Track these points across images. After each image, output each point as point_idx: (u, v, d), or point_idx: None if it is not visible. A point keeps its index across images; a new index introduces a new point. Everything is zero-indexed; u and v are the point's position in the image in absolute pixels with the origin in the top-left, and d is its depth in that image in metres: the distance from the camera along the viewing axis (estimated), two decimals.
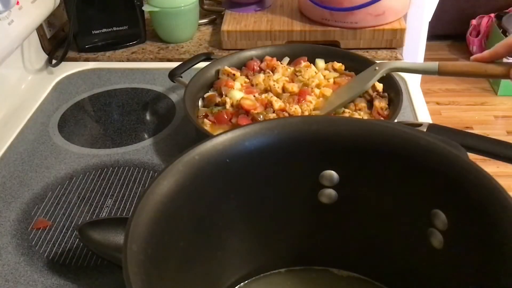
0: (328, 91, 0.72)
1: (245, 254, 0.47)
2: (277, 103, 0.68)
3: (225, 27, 0.95)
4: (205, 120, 0.69)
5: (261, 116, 0.66)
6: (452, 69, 0.63)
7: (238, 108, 0.69)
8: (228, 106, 0.69)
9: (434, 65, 0.64)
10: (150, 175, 0.68)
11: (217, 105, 0.71)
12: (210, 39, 1.01)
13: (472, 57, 0.62)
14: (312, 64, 0.77)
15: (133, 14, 0.97)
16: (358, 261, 0.49)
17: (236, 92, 0.71)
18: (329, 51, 0.80)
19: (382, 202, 0.44)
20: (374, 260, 0.48)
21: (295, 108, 0.68)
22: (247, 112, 0.68)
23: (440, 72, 0.64)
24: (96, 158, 0.72)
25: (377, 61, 0.73)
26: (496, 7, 2.42)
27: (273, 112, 0.68)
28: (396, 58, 0.93)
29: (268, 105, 0.69)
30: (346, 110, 0.69)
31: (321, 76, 0.74)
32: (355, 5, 0.89)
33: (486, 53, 0.60)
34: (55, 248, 0.58)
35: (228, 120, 0.68)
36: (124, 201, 0.64)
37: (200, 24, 1.05)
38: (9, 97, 0.84)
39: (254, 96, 0.71)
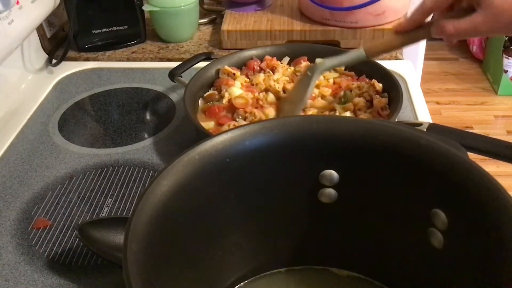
0: (327, 91, 0.72)
1: (245, 254, 0.47)
2: (267, 109, 0.68)
3: (225, 26, 0.95)
4: (203, 115, 0.70)
5: (247, 117, 0.67)
6: (379, 49, 0.63)
7: (231, 105, 0.69)
8: (225, 101, 0.70)
9: (360, 51, 0.64)
10: (150, 174, 0.68)
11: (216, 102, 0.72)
12: (210, 38, 1.01)
13: (393, 29, 0.62)
14: (312, 64, 0.77)
15: (133, 14, 0.97)
16: (358, 260, 0.49)
17: (236, 90, 0.71)
18: (329, 50, 0.80)
19: (382, 201, 0.44)
20: (374, 260, 0.48)
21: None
22: (234, 111, 0.69)
23: (369, 55, 0.64)
24: (96, 157, 0.72)
25: (378, 61, 0.73)
26: None
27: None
28: (396, 58, 0.93)
29: (258, 106, 0.69)
30: (346, 108, 0.69)
31: (321, 76, 0.74)
32: (355, 4, 0.89)
33: (405, 22, 0.60)
34: (55, 248, 0.58)
35: (218, 114, 0.69)
36: (124, 200, 0.64)
37: (200, 24, 1.05)
38: (9, 97, 0.84)
39: (254, 95, 0.71)
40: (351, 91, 0.71)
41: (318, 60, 0.67)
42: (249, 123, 0.44)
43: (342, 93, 0.71)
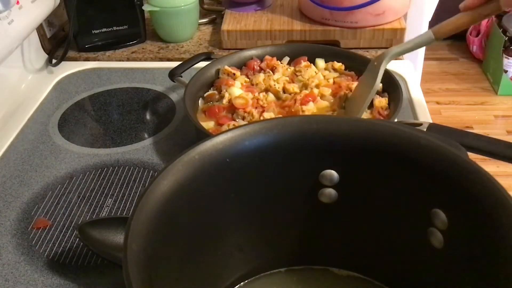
0: (327, 91, 0.71)
1: (245, 254, 0.47)
2: (268, 113, 0.68)
3: (225, 26, 0.95)
4: (202, 114, 0.70)
5: (245, 117, 0.68)
6: (448, 29, 0.62)
7: (231, 105, 0.69)
8: (225, 101, 0.70)
9: (428, 34, 0.63)
10: (150, 174, 0.68)
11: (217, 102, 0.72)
12: (210, 38, 1.01)
13: (461, 7, 0.60)
14: (312, 64, 0.77)
15: (133, 14, 0.97)
16: (358, 260, 0.49)
17: (236, 90, 0.71)
18: (329, 50, 0.80)
19: (382, 201, 0.44)
20: (374, 260, 0.48)
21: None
22: (234, 111, 0.69)
23: (437, 37, 0.62)
24: (96, 157, 0.72)
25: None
26: None
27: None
28: (396, 58, 0.92)
29: (257, 107, 0.69)
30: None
31: (321, 76, 0.74)
32: (355, 4, 0.89)
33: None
34: (55, 248, 0.58)
35: (218, 114, 0.69)
36: (124, 200, 0.64)
37: (200, 24, 1.05)
38: (9, 97, 0.84)
39: (254, 95, 0.71)
40: (351, 91, 0.71)
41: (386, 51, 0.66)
42: (249, 123, 0.44)
43: (342, 92, 0.71)
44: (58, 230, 0.60)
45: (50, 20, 0.99)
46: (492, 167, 1.58)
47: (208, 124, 0.68)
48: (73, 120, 0.81)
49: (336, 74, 0.76)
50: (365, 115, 0.68)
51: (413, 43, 0.65)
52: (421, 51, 1.44)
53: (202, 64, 0.78)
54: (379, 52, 0.93)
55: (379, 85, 0.66)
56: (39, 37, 0.94)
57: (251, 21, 0.96)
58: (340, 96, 0.70)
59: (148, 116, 0.82)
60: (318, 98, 0.71)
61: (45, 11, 0.87)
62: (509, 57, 2.16)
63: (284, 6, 1.02)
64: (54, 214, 0.62)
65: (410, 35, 1.00)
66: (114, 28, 0.98)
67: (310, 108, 0.68)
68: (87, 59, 0.98)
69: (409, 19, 1.18)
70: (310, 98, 0.69)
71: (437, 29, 0.62)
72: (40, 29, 0.94)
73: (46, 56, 0.96)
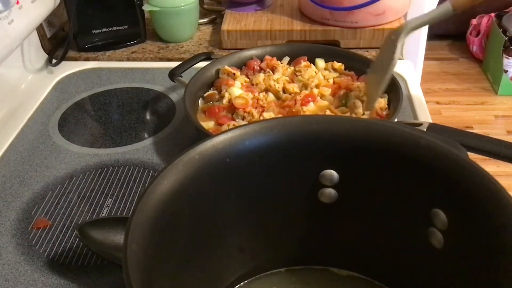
0: (327, 91, 0.71)
1: (245, 254, 0.47)
2: (268, 113, 0.68)
3: (225, 26, 0.95)
4: (202, 114, 0.70)
5: (245, 117, 0.68)
6: (467, 1, 0.59)
7: (231, 105, 0.69)
8: (225, 101, 0.70)
9: (447, 6, 0.60)
10: (150, 174, 0.68)
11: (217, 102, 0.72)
12: (210, 38, 1.01)
13: None
14: (312, 64, 0.77)
15: (133, 14, 0.97)
16: (358, 260, 0.49)
17: (236, 90, 0.71)
18: (329, 50, 0.80)
19: (382, 201, 0.44)
20: (374, 260, 0.48)
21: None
22: (234, 111, 0.69)
23: (456, 8, 0.60)
24: (96, 157, 0.72)
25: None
26: (496, 7, 2.42)
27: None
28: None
29: (257, 107, 0.69)
30: (345, 110, 0.69)
31: (320, 76, 0.74)
32: (355, 4, 0.89)
33: None
34: (55, 248, 0.58)
35: (218, 114, 0.69)
36: (124, 200, 0.64)
37: (200, 24, 1.05)
38: (9, 97, 0.84)
39: (254, 95, 0.71)
40: (351, 91, 0.71)
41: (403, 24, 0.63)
42: (249, 123, 0.44)
43: (342, 92, 0.71)
44: (58, 230, 0.60)
45: (50, 20, 0.99)
46: (492, 167, 1.58)
47: (208, 124, 0.68)
48: (73, 120, 0.81)
49: (336, 74, 0.76)
50: (365, 115, 0.68)
51: (431, 15, 0.62)
52: (421, 51, 1.43)
53: (202, 64, 0.78)
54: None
55: (397, 60, 0.63)
56: (39, 37, 0.94)
57: (251, 21, 0.96)
58: (339, 96, 0.70)
59: (148, 116, 0.82)
60: (318, 98, 0.71)
61: (45, 11, 0.87)
62: (509, 57, 2.16)
63: (284, 6, 1.02)
64: (54, 214, 0.62)
65: (410, 35, 1.00)
66: (114, 28, 0.98)
67: (310, 109, 0.68)
68: (87, 59, 0.97)
69: (409, 19, 1.18)
70: (310, 99, 0.69)
71: (456, 1, 0.60)
72: (40, 29, 0.94)
73: (46, 56, 0.96)
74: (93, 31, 0.97)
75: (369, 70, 0.68)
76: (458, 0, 0.60)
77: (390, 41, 0.64)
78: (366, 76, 0.68)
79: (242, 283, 0.49)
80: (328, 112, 0.69)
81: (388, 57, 0.63)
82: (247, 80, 0.75)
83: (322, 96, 0.71)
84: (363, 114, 0.67)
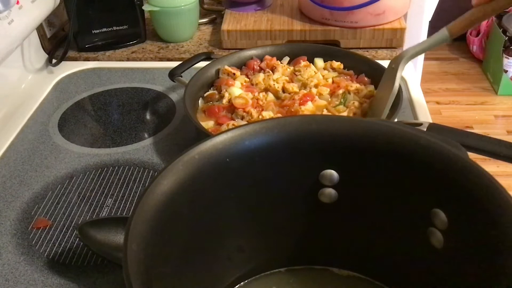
0: (325, 90, 0.71)
1: (245, 253, 0.47)
2: (267, 112, 0.68)
3: (225, 26, 0.95)
4: (202, 114, 0.70)
5: (244, 117, 0.68)
6: (462, 25, 0.61)
7: (231, 105, 0.69)
8: (225, 101, 0.70)
9: (443, 33, 0.62)
10: (150, 174, 0.68)
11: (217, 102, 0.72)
12: (210, 38, 1.01)
13: (474, 3, 0.59)
14: (311, 63, 0.77)
15: (133, 14, 0.97)
16: (358, 260, 0.49)
17: (236, 89, 0.71)
18: (329, 50, 0.80)
19: (382, 201, 0.44)
20: (374, 260, 0.48)
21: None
22: (233, 110, 0.69)
23: (452, 34, 0.61)
24: (96, 157, 0.72)
25: (378, 60, 0.73)
26: None
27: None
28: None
29: (257, 106, 0.69)
30: (343, 109, 0.69)
31: (320, 75, 0.74)
32: (355, 4, 0.89)
33: None
34: (55, 248, 0.58)
35: (218, 114, 0.69)
36: (124, 200, 0.64)
37: (200, 24, 1.05)
38: (9, 97, 0.84)
39: (254, 95, 0.71)
40: (349, 93, 0.71)
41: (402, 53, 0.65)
42: (249, 123, 0.44)
43: (340, 91, 0.71)
44: (58, 230, 0.60)
45: (50, 20, 0.99)
46: (492, 167, 1.58)
47: (208, 124, 0.68)
48: (73, 120, 0.81)
49: (335, 74, 0.76)
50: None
51: (429, 43, 0.64)
52: None
53: (202, 64, 0.78)
54: (379, 52, 0.94)
55: (397, 87, 0.66)
56: (39, 37, 0.94)
57: (251, 21, 0.96)
58: (338, 95, 0.70)
59: (148, 116, 0.82)
60: (316, 97, 0.71)
61: (45, 11, 0.87)
62: (509, 57, 2.16)
63: (284, 6, 1.02)
64: (54, 214, 0.62)
65: (410, 35, 1.00)
66: (114, 28, 0.98)
67: (309, 108, 0.68)
68: (87, 59, 0.97)
69: (409, 19, 1.18)
70: (308, 98, 0.69)
71: (452, 27, 0.62)
72: (40, 29, 0.94)
73: (46, 56, 0.96)
74: (93, 31, 0.97)
75: (371, 101, 0.70)
76: (454, 26, 0.62)
77: (391, 70, 0.67)
78: (370, 105, 0.70)
79: (242, 283, 0.49)
80: (325, 111, 0.69)
81: (389, 86, 0.66)
82: (247, 80, 0.75)
83: (320, 96, 0.71)
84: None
